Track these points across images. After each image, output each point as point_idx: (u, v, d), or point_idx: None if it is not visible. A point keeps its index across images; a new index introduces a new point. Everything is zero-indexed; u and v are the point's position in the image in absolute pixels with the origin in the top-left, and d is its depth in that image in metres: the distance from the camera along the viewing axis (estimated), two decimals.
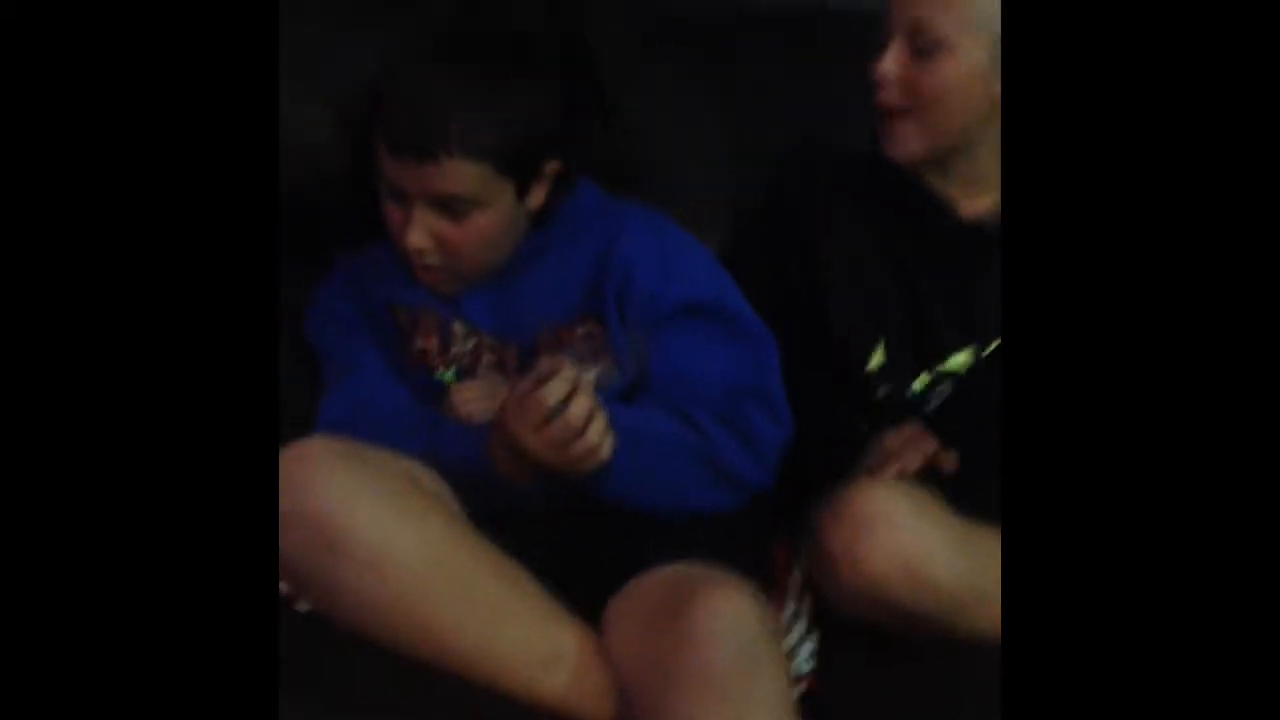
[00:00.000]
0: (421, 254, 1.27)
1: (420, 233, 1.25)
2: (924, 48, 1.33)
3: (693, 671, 1.06)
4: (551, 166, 1.29)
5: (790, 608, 1.28)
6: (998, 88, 1.33)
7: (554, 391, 1.12)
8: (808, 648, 1.26)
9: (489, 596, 1.12)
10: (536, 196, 1.29)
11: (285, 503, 1.04)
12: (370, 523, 1.10)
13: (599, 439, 1.13)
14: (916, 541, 1.21)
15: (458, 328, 1.32)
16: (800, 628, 1.27)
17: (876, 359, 1.40)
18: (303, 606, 1.14)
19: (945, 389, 1.39)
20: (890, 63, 1.34)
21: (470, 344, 1.31)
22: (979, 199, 1.40)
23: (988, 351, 1.38)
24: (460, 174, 1.23)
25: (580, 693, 1.13)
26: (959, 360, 1.39)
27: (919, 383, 1.39)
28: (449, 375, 1.31)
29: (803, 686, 1.23)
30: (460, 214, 1.25)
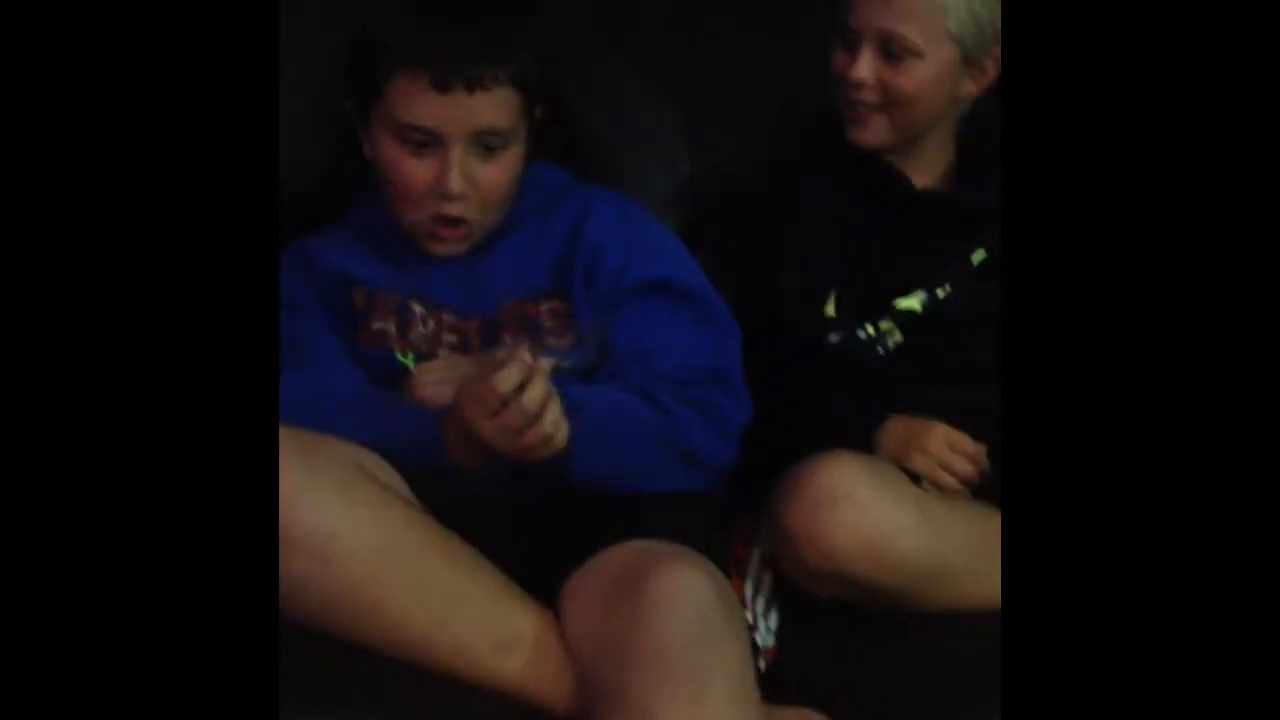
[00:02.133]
0: (458, 200, 1.25)
1: (460, 175, 1.24)
2: (895, 53, 1.38)
3: (649, 649, 1.04)
4: (539, 112, 1.29)
5: (752, 580, 1.26)
6: (959, 86, 1.41)
7: (508, 378, 1.09)
8: (770, 621, 1.25)
9: (442, 582, 1.10)
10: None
11: None
12: (321, 514, 1.08)
13: (553, 427, 1.11)
14: (878, 518, 1.19)
15: (416, 308, 1.30)
16: (762, 602, 1.26)
17: (829, 308, 1.41)
18: None
19: (895, 336, 1.40)
20: (865, 70, 1.39)
21: (429, 326, 1.29)
22: (926, 175, 1.47)
23: (942, 291, 1.41)
24: (504, 103, 1.24)
25: (538, 675, 1.10)
26: (910, 302, 1.41)
27: (869, 328, 1.41)
28: (409, 359, 1.29)
29: (764, 661, 1.22)
30: (496, 150, 1.25)
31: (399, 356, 1.29)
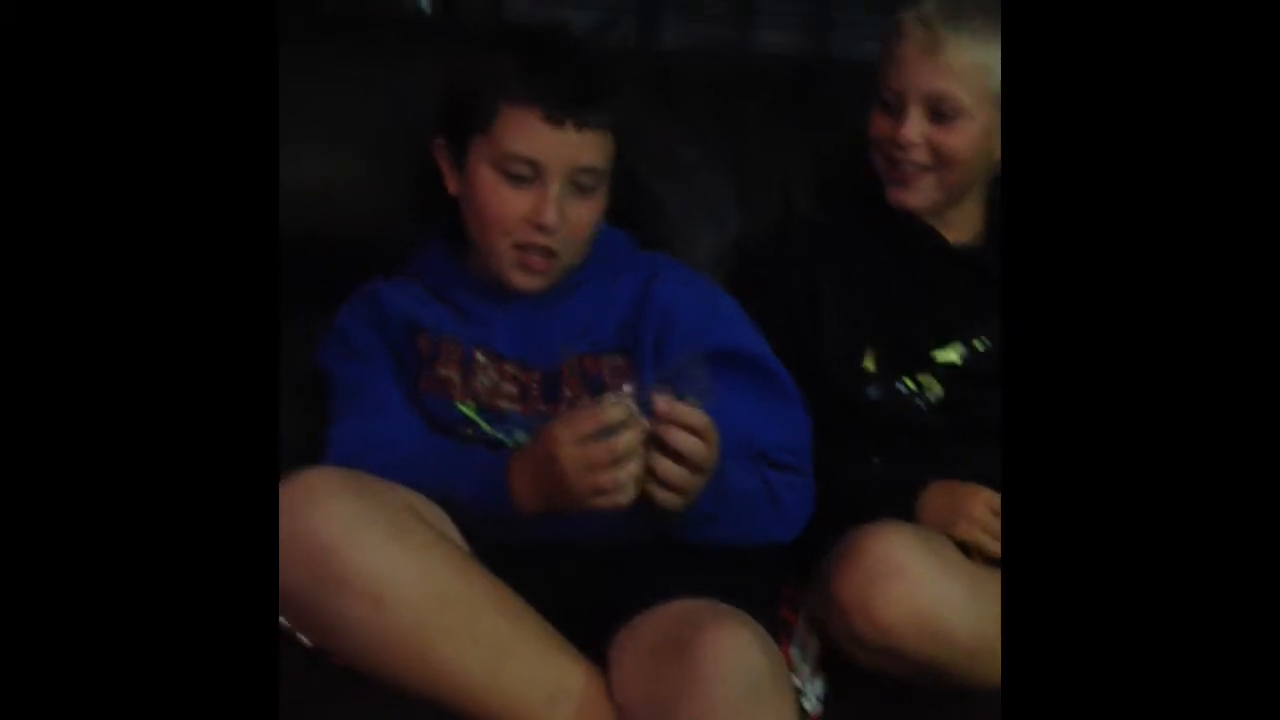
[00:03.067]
0: (551, 234, 1.26)
1: (556, 209, 1.25)
2: (945, 114, 1.39)
3: (698, 710, 1.02)
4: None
5: (798, 646, 1.24)
6: (997, 147, 1.42)
7: (613, 413, 1.09)
8: (816, 687, 1.23)
9: (493, 632, 1.09)
10: None
11: (286, 534, 1.01)
12: (373, 556, 1.06)
13: (627, 477, 1.10)
14: (931, 593, 1.17)
15: (480, 357, 1.29)
16: (808, 666, 1.24)
17: (868, 363, 1.42)
18: (304, 641, 1.11)
19: (935, 390, 1.41)
20: (915, 131, 1.40)
21: (491, 376, 1.29)
22: (959, 233, 1.48)
23: (980, 344, 1.42)
24: (603, 144, 1.27)
25: None
26: (949, 354, 1.42)
27: (908, 382, 1.41)
28: (469, 409, 1.28)
29: None
30: (589, 191, 1.27)
31: (459, 405, 1.28)
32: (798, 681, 1.20)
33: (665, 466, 1.11)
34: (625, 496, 1.11)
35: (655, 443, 1.11)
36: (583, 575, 1.18)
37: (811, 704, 1.21)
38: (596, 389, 1.27)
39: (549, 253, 1.28)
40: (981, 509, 1.31)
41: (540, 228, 1.26)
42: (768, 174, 1.62)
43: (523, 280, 1.29)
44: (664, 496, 1.12)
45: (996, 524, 1.31)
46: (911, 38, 1.40)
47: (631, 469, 1.10)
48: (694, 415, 1.11)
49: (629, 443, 1.09)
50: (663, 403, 1.11)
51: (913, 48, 1.40)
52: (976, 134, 1.40)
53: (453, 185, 1.32)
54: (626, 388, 1.12)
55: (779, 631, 1.21)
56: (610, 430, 1.09)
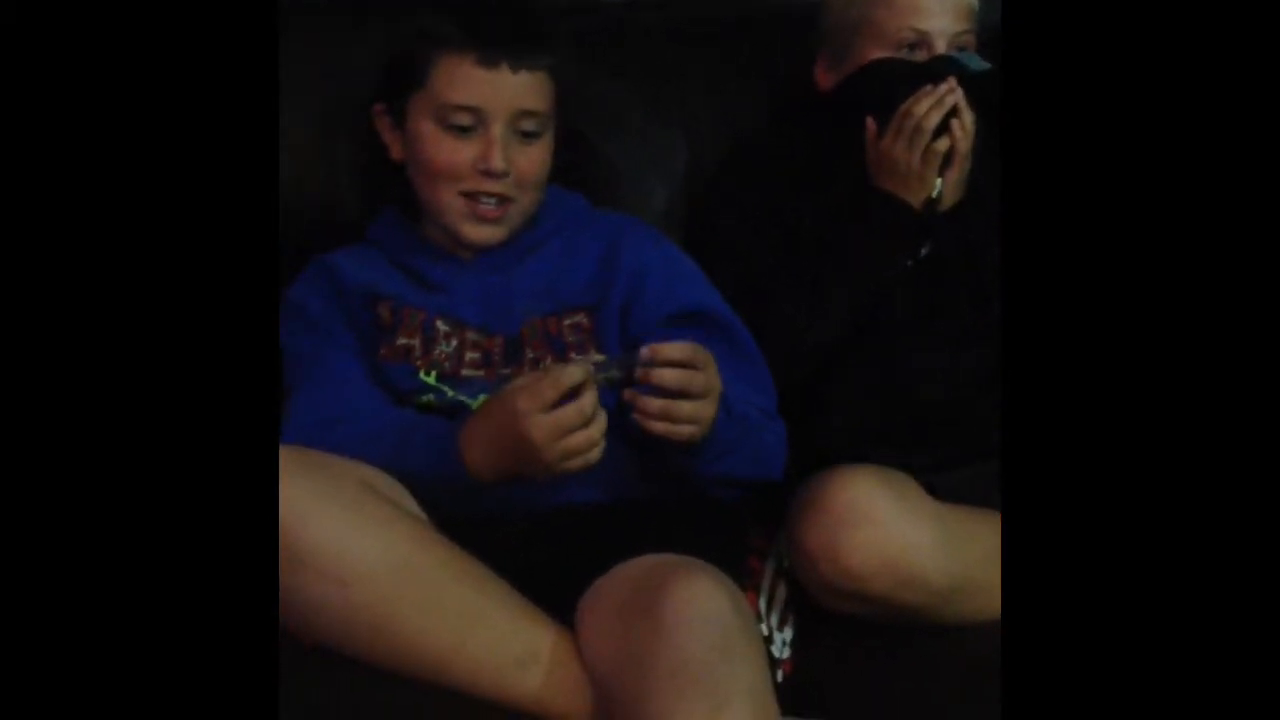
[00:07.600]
0: (499, 178, 1.24)
1: (502, 153, 1.23)
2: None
3: (668, 663, 0.99)
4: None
5: (765, 593, 1.23)
6: None
7: (572, 374, 1.08)
8: (785, 634, 1.22)
9: (457, 600, 1.06)
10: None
11: None
12: (330, 534, 1.03)
13: (599, 435, 1.09)
14: (899, 537, 1.15)
15: (440, 325, 1.27)
16: (776, 615, 1.22)
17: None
18: None
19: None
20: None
21: (453, 344, 1.27)
22: None
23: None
24: (544, 86, 1.25)
25: (555, 691, 1.06)
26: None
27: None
28: (431, 378, 1.26)
29: (781, 672, 1.18)
30: (533, 136, 1.26)
31: (420, 375, 1.25)
32: (765, 629, 1.19)
33: (673, 406, 1.10)
34: (597, 453, 1.09)
35: (656, 391, 1.10)
36: (546, 538, 1.16)
37: (781, 651, 1.20)
38: (559, 350, 1.25)
39: (501, 199, 1.25)
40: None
41: (488, 173, 1.24)
42: (716, 126, 1.59)
43: (478, 232, 1.27)
44: (682, 430, 1.11)
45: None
46: None
47: (602, 424, 1.09)
48: (679, 348, 1.10)
49: (592, 401, 1.08)
50: (645, 351, 1.09)
51: None
52: None
53: (396, 151, 1.30)
54: (597, 356, 1.11)
55: (745, 580, 1.20)
56: (572, 393, 1.07)
